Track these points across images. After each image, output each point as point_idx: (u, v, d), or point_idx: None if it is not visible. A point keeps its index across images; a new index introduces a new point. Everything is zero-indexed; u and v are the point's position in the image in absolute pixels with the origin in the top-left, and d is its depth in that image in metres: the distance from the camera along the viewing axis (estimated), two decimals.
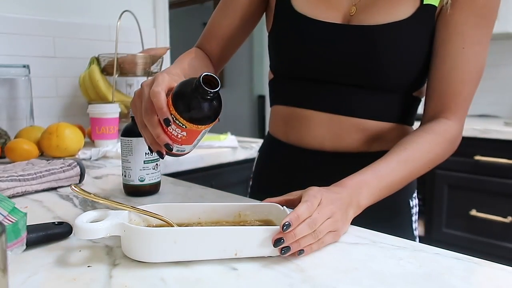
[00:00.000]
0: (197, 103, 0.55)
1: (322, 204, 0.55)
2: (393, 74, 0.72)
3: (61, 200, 0.78)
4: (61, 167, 0.87)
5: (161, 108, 0.55)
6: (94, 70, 1.52)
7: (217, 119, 0.58)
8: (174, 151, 0.60)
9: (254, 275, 0.48)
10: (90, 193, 0.55)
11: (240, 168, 1.44)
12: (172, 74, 0.61)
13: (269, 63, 0.86)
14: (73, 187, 0.55)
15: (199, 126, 0.57)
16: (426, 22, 0.71)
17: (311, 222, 0.52)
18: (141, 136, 0.65)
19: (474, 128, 1.93)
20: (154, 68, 1.60)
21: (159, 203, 0.58)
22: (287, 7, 0.77)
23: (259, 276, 0.48)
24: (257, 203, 0.64)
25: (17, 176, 0.80)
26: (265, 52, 1.34)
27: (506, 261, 0.85)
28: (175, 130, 0.57)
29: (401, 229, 0.81)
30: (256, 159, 0.96)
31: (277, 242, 0.50)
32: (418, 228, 0.87)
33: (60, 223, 0.58)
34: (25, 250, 0.51)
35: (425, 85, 0.77)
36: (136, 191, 0.79)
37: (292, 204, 0.58)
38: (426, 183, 2.12)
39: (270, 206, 0.60)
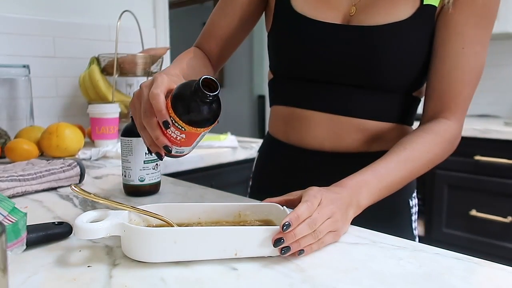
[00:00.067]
0: (196, 106, 0.55)
1: (322, 204, 0.55)
2: (393, 74, 0.72)
3: (61, 200, 0.78)
4: (61, 167, 0.87)
5: (160, 110, 0.55)
6: (94, 70, 1.52)
7: (216, 122, 0.58)
8: (173, 153, 0.60)
9: (254, 275, 0.48)
10: (90, 193, 0.55)
11: (240, 168, 1.44)
12: (171, 75, 0.61)
13: (269, 63, 0.86)
14: (73, 187, 0.55)
15: (198, 129, 0.57)
16: (426, 22, 0.71)
17: (311, 222, 0.52)
18: (140, 136, 0.65)
19: (474, 128, 1.93)
20: (154, 68, 1.60)
21: (159, 203, 0.59)
22: (287, 7, 0.77)
23: (259, 276, 0.48)
24: (257, 203, 0.64)
25: (17, 176, 0.80)
26: (265, 52, 1.34)
27: (506, 261, 0.85)
28: (174, 133, 0.57)
29: (401, 229, 0.82)
30: (255, 159, 0.96)
31: (277, 242, 0.50)
32: (417, 228, 0.87)
33: (60, 223, 0.58)
34: (25, 250, 0.51)
35: (425, 85, 0.77)
36: (136, 191, 0.79)
37: (292, 204, 0.58)
38: (426, 183, 2.12)
39: (270, 206, 0.60)
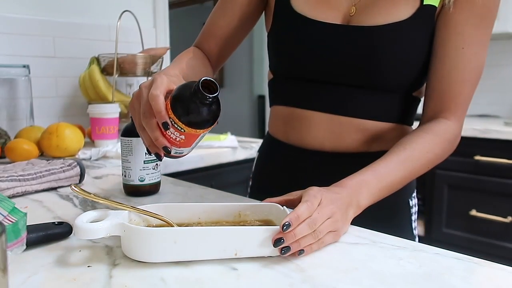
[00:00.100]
0: (196, 108, 0.55)
1: (322, 204, 0.55)
2: (393, 74, 0.72)
3: (61, 200, 0.78)
4: (61, 167, 0.87)
5: (160, 112, 0.55)
6: (94, 70, 1.52)
7: (216, 123, 0.58)
8: (172, 154, 0.60)
9: (254, 275, 0.48)
10: (90, 193, 0.55)
11: (240, 168, 1.44)
12: (170, 75, 0.61)
13: (269, 63, 0.85)
14: (73, 187, 0.55)
15: (198, 130, 0.57)
16: (426, 22, 0.71)
17: (311, 222, 0.52)
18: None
19: (474, 128, 1.93)
20: (154, 68, 1.60)
21: (159, 203, 0.59)
22: (286, 7, 0.77)
23: (259, 276, 0.48)
24: (257, 203, 0.64)
25: (17, 176, 0.80)
26: (265, 52, 1.34)
27: (506, 261, 0.85)
28: (173, 134, 0.57)
29: (401, 229, 0.82)
30: (255, 159, 0.96)
31: (277, 242, 0.50)
32: (417, 227, 0.87)
33: (60, 223, 0.58)
34: (25, 250, 0.51)
35: (425, 85, 0.77)
36: (136, 191, 0.79)
37: (292, 204, 0.58)
38: (426, 183, 2.12)
39: (270, 206, 0.60)
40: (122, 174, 0.80)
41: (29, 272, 0.48)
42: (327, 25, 0.74)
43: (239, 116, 4.27)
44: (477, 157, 1.95)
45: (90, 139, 1.40)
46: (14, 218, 0.50)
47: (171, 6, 2.19)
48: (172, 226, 0.56)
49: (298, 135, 0.81)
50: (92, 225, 0.50)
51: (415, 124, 0.77)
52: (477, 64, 0.71)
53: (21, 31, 1.49)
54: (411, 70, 0.73)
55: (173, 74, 0.63)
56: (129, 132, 0.78)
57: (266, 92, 3.54)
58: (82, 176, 0.89)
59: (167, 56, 1.88)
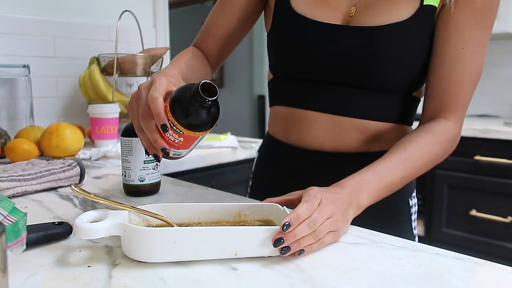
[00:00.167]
0: (195, 111, 0.55)
1: (322, 204, 0.55)
2: (393, 74, 0.72)
3: (61, 200, 0.78)
4: (61, 167, 0.87)
5: (159, 114, 0.55)
6: (94, 70, 1.52)
7: (215, 125, 0.58)
8: (170, 155, 0.60)
9: (254, 275, 0.48)
10: (90, 193, 0.55)
11: (240, 168, 1.44)
12: (170, 75, 0.61)
13: (269, 63, 0.85)
14: (73, 187, 0.55)
15: (197, 133, 0.57)
16: (426, 23, 0.71)
17: (311, 222, 0.52)
18: None
19: (474, 128, 1.93)
20: (154, 68, 1.60)
21: (159, 203, 0.59)
22: (286, 8, 0.77)
23: (259, 276, 0.48)
24: (257, 203, 0.64)
25: (17, 176, 0.80)
26: (265, 52, 1.34)
27: (506, 261, 0.85)
28: (172, 136, 0.57)
29: (401, 228, 0.82)
30: (255, 159, 0.96)
31: (277, 242, 0.50)
32: (417, 227, 0.87)
33: (60, 223, 0.58)
34: (25, 250, 0.51)
35: (425, 85, 0.77)
36: (136, 191, 0.79)
37: (292, 204, 0.58)
38: (426, 183, 2.12)
39: (270, 206, 0.60)
40: (122, 174, 0.80)
41: (29, 272, 0.48)
42: (327, 25, 0.74)
43: (239, 116, 4.27)
44: (477, 157, 1.95)
45: (90, 139, 1.40)
46: (14, 218, 0.50)
47: (171, 6, 2.19)
48: (172, 226, 0.56)
49: (298, 135, 0.81)
50: (92, 225, 0.50)
51: (415, 124, 0.77)
52: (477, 64, 0.71)
53: (21, 31, 1.49)
54: (411, 70, 0.73)
55: (172, 75, 0.63)
56: (129, 132, 0.78)
57: (266, 92, 3.54)
58: (82, 176, 0.89)
59: (167, 56, 1.88)
